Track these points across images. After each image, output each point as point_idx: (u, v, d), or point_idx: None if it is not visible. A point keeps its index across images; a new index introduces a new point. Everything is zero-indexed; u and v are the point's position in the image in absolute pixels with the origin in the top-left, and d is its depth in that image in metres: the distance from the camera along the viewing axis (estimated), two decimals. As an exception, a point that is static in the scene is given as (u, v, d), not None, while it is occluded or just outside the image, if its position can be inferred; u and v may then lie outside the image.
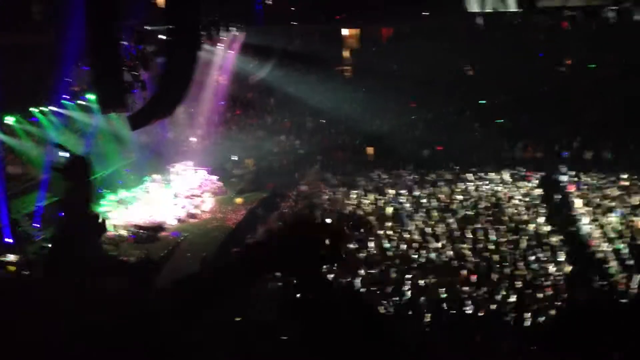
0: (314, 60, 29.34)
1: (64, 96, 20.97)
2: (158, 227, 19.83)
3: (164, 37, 16.19)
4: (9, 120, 19.35)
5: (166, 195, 22.01)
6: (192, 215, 21.25)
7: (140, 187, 22.67)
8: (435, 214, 19.36)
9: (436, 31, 30.22)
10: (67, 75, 20.40)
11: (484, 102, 28.19)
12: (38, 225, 18.94)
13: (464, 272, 15.07)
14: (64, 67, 19.53)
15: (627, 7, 24.06)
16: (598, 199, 19.84)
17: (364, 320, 8.73)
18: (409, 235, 17.71)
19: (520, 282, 14.35)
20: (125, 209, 20.98)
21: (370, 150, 26.68)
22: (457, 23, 30.66)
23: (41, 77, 20.16)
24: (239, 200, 22.73)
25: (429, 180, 22.93)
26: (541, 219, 18.59)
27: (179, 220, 20.79)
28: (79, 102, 21.52)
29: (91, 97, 20.12)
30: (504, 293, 13.76)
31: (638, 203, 19.15)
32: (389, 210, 20.07)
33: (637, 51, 24.89)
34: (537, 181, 22.37)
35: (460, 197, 20.89)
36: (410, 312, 13.20)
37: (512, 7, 28.38)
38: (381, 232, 18.13)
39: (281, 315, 9.38)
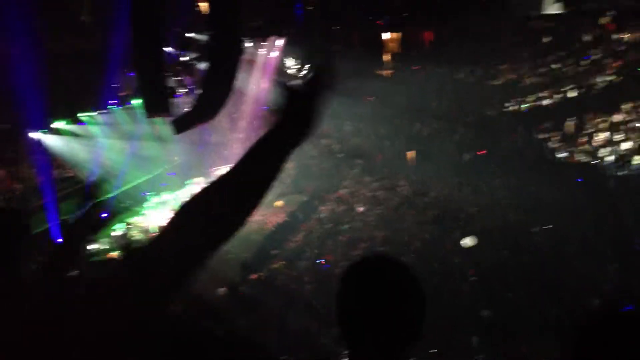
0: (353, 64, 29.43)
1: (111, 101, 21.55)
2: (200, 229, 20.14)
3: (207, 43, 16.48)
4: (58, 124, 20.01)
5: (208, 198, 22.32)
6: (233, 218, 21.50)
7: (183, 189, 23.10)
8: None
9: (479, 33, 30.04)
10: (114, 80, 20.96)
11: (526, 105, 27.78)
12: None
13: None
14: (110, 72, 20.07)
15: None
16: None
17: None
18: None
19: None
20: (169, 211, 21.43)
21: (410, 154, 26.56)
22: (502, 25, 30.44)
23: (88, 83, 20.77)
24: (278, 203, 22.91)
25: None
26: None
27: (220, 222, 21.06)
28: (125, 107, 22.11)
29: (136, 102, 20.63)
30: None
31: None
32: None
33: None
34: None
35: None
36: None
37: (557, 8, 28.08)
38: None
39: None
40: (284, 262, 16.94)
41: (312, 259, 17.04)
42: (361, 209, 20.76)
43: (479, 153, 25.46)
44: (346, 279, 1.69)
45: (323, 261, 16.66)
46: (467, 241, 11.64)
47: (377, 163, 26.05)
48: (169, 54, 17.05)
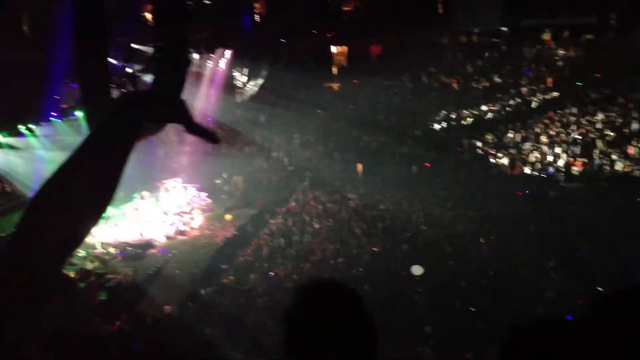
0: (302, 77, 29.55)
1: (52, 113, 20.91)
2: (147, 245, 19.71)
3: (152, 55, 16.25)
4: (-3, 137, 19.31)
5: (155, 212, 21.89)
6: (181, 233, 21.15)
7: (129, 204, 22.53)
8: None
9: (425, 47, 30.69)
10: (56, 92, 20.37)
11: (471, 118, 28.44)
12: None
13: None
14: (52, 84, 19.50)
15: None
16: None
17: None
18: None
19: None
20: (114, 226, 20.84)
21: (359, 166, 26.70)
22: (445, 39, 31.18)
23: (29, 94, 20.13)
24: (228, 217, 22.63)
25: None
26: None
27: (168, 237, 20.67)
28: (67, 118, 21.46)
29: (79, 114, 20.08)
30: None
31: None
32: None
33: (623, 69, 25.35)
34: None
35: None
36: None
37: (498, 25, 29.00)
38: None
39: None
40: (233, 277, 16.70)
41: (262, 272, 16.88)
42: (311, 221, 20.71)
43: (425, 165, 25.83)
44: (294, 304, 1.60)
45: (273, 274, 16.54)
46: (415, 270, 12.01)
47: (326, 176, 26.07)
48: (113, 65, 16.71)
